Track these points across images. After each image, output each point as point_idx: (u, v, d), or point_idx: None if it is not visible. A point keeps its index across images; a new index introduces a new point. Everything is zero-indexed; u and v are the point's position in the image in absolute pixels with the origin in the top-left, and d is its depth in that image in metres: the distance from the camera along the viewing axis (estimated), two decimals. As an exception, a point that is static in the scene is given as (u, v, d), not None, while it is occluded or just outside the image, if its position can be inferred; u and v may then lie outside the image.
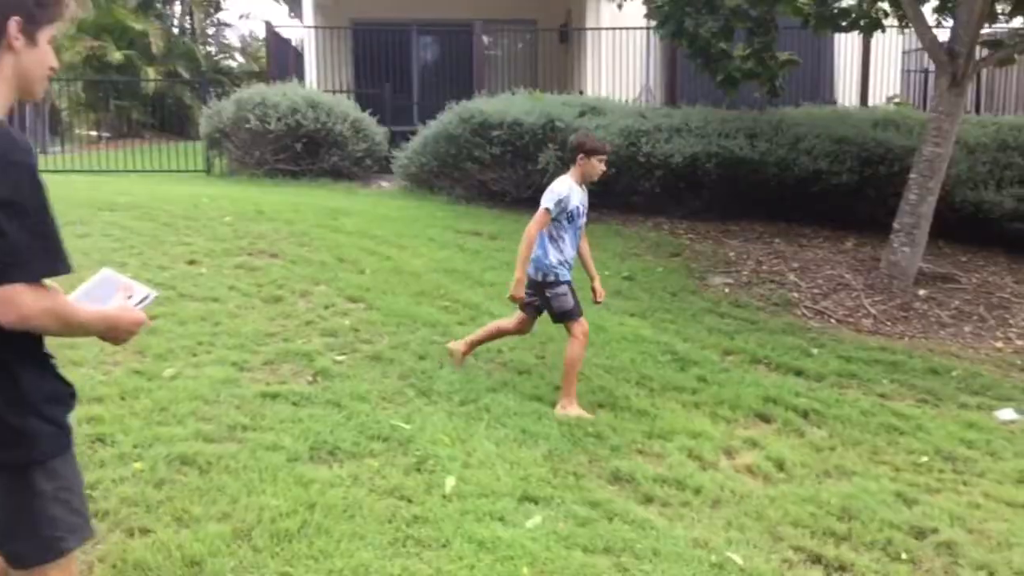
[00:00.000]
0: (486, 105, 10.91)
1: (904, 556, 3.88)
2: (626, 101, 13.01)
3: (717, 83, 10.62)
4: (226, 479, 3.94)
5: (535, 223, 5.25)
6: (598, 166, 5.36)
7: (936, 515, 4.30)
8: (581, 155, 5.33)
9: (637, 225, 10.22)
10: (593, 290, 5.63)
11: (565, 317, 5.38)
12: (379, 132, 12.66)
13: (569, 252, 5.37)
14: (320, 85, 14.47)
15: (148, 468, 3.95)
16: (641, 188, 10.54)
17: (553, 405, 5.26)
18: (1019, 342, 7.60)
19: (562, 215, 5.26)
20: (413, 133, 11.78)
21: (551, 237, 5.32)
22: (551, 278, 5.33)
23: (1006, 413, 6.03)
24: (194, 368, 5.26)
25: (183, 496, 3.78)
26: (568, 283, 5.38)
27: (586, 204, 5.48)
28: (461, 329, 6.30)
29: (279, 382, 5.16)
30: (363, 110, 12.71)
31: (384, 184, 12.00)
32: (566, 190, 5.27)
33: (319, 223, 8.74)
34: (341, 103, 12.56)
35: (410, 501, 3.91)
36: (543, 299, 5.41)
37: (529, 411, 5.09)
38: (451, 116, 10.94)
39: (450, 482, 4.06)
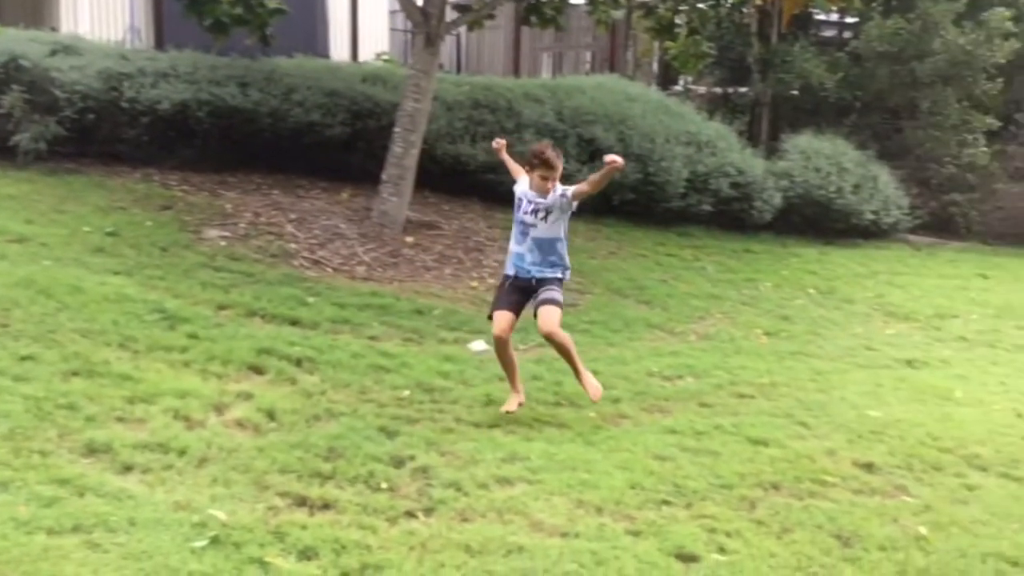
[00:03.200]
0: (-78, 37, 9.21)
1: (384, 485, 4.13)
2: (111, 42, 11.88)
3: (205, 27, 10.15)
4: None
5: None
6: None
7: (414, 443, 4.64)
8: None
9: (123, 176, 9.44)
10: None
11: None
12: None
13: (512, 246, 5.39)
14: None
15: None
16: (126, 136, 9.74)
17: (17, 379, 4.67)
18: (491, 280, 8.51)
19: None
20: None
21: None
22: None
23: (478, 345, 6.72)
24: None
25: None
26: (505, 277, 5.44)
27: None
28: None
29: None
30: None
31: None
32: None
33: None
34: None
35: None
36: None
37: (-18, 388, 4.44)
38: None
39: None
